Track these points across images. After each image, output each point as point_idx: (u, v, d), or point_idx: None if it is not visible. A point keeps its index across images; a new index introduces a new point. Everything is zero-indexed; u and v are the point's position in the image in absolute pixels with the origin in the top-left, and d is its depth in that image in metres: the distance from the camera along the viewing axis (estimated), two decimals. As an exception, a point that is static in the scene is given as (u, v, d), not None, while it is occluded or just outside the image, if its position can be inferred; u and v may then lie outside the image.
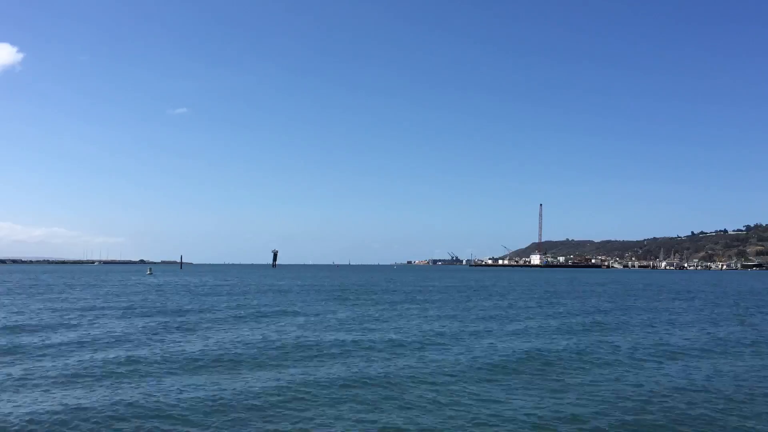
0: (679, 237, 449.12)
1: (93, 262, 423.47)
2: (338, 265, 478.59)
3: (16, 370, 19.40)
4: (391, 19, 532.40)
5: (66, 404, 15.22)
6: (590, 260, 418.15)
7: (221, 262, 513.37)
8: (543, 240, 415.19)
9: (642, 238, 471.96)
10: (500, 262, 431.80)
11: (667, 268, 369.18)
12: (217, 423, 13.78)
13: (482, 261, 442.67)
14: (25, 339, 26.53)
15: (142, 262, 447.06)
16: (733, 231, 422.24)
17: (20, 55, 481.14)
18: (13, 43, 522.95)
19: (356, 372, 19.33)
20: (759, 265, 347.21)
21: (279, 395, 16.16)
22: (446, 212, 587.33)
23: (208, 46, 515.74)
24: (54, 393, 16.49)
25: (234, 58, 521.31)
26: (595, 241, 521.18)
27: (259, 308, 44.30)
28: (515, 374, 19.41)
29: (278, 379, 18.14)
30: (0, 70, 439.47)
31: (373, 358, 22.01)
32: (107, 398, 15.80)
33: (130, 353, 22.68)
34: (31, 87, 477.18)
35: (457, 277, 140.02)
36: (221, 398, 15.85)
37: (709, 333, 30.91)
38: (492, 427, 13.60)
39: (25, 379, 18.13)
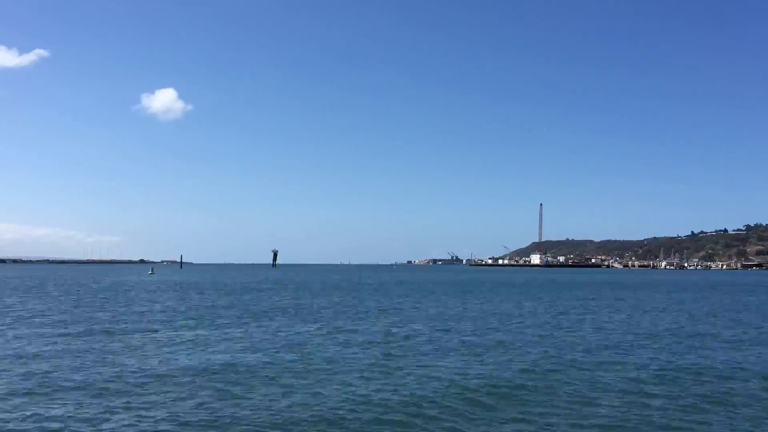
0: (679, 237, 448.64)
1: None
2: (338, 265, 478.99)
3: None
4: (390, 19, 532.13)
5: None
6: (590, 260, 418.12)
7: (221, 262, 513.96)
8: (543, 240, 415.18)
9: (642, 238, 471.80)
10: (500, 261, 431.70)
11: (667, 267, 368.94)
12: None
13: (482, 261, 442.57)
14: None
15: (142, 261, 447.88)
16: (733, 231, 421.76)
17: (27, 58, 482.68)
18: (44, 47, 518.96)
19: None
20: (759, 265, 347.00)
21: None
22: (446, 212, 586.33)
23: (208, 46, 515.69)
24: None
25: (234, 59, 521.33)
26: (595, 241, 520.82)
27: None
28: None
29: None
30: (4, 72, 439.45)
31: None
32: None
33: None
34: (31, 88, 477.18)
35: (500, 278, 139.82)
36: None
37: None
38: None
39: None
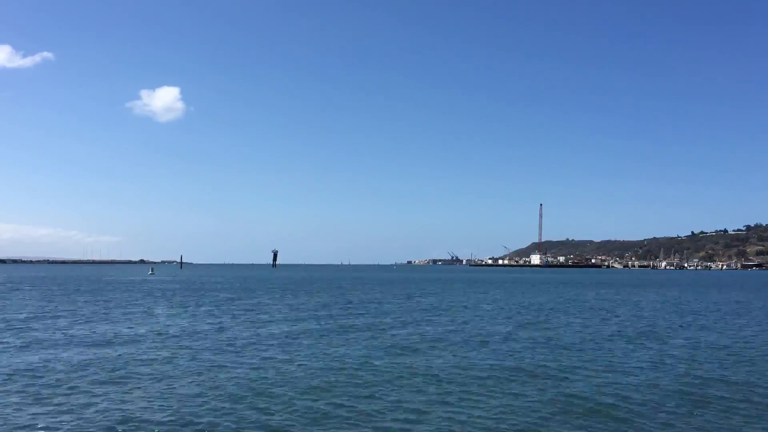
0: (679, 237, 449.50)
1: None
2: (339, 265, 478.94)
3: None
4: (390, 20, 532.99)
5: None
6: (590, 260, 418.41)
7: (221, 262, 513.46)
8: (543, 240, 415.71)
9: (642, 238, 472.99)
10: (500, 262, 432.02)
11: (667, 267, 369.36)
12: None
13: (482, 261, 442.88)
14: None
15: (142, 261, 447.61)
16: (733, 231, 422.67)
17: (31, 59, 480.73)
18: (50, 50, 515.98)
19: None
20: (759, 265, 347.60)
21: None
22: (446, 212, 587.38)
23: (207, 46, 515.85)
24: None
25: (234, 59, 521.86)
26: (595, 241, 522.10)
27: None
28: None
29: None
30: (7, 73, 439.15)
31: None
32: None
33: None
34: (33, 89, 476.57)
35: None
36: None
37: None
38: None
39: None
